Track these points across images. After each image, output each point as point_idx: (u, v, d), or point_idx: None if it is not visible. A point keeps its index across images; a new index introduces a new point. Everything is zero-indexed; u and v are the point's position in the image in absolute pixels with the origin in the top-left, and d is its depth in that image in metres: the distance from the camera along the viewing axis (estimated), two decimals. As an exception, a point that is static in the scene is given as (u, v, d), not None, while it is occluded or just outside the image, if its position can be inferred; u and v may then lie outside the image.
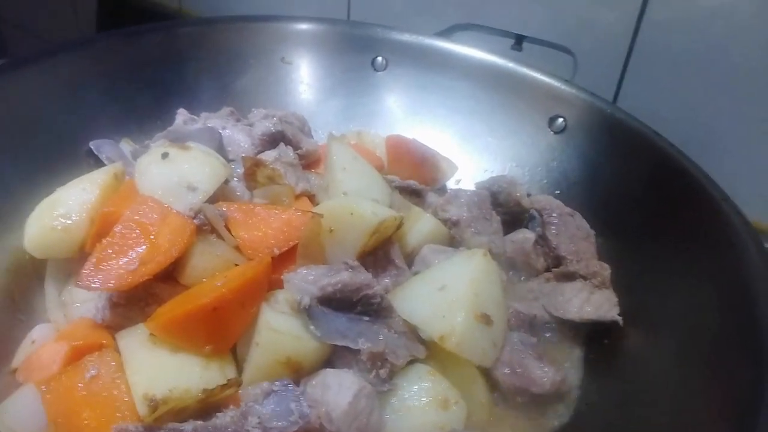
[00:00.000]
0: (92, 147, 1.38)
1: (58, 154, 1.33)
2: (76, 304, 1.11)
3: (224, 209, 1.12)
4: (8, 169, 1.24)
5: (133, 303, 1.02)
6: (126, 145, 1.43)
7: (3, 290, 1.13)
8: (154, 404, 0.87)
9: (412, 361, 1.01)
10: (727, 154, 1.42)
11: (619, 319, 1.14)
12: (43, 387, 0.92)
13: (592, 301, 1.15)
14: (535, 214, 1.34)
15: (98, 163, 1.36)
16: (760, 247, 1.05)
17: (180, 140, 1.29)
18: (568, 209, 1.30)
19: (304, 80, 1.65)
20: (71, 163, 1.33)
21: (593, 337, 1.18)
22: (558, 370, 1.07)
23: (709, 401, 0.94)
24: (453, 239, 1.28)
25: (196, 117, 1.46)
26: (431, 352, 1.03)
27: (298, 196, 1.28)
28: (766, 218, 1.44)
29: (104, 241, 1.01)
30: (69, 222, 1.12)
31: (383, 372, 0.97)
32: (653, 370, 1.08)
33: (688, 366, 1.02)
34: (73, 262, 1.16)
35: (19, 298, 1.15)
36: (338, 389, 0.90)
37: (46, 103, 1.37)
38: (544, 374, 1.04)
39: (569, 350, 1.17)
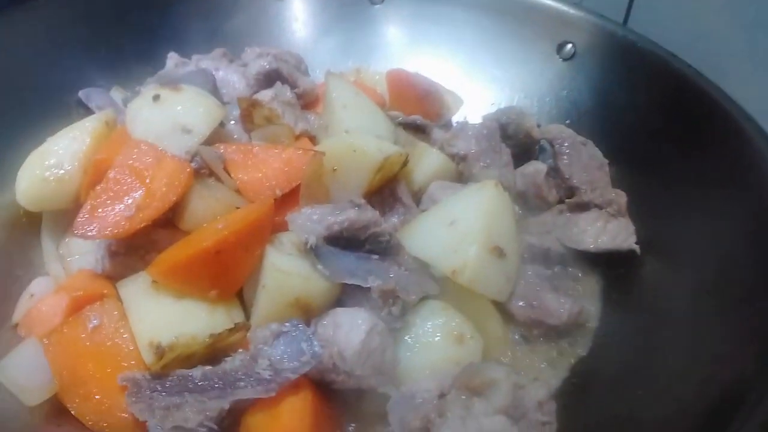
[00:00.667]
0: (81, 96, 1.33)
1: (48, 106, 1.29)
2: (75, 257, 1.08)
3: (222, 151, 1.07)
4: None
5: (133, 251, 0.99)
6: (117, 93, 1.37)
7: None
8: (160, 351, 0.85)
9: (425, 298, 0.98)
10: (740, 77, 1.35)
11: (636, 247, 1.10)
12: (45, 340, 0.89)
13: (608, 231, 1.11)
14: (546, 145, 1.28)
15: (89, 113, 1.31)
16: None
17: (171, 83, 1.22)
18: (580, 138, 1.25)
19: (298, 17, 1.57)
20: (61, 114, 1.29)
21: (609, 268, 1.14)
22: (575, 301, 1.03)
23: (729, 331, 0.91)
24: (461, 175, 1.24)
25: (187, 60, 1.39)
26: (444, 288, 1.00)
27: (297, 137, 1.23)
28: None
29: (98, 187, 0.97)
30: (61, 172, 1.08)
31: (395, 309, 0.94)
32: (672, 300, 1.04)
33: (708, 295, 0.98)
34: (68, 214, 1.12)
35: (16, 252, 1.11)
36: (350, 327, 0.87)
37: (32, 53, 1.32)
38: (560, 306, 1.01)
39: (585, 282, 1.13)
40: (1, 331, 0.99)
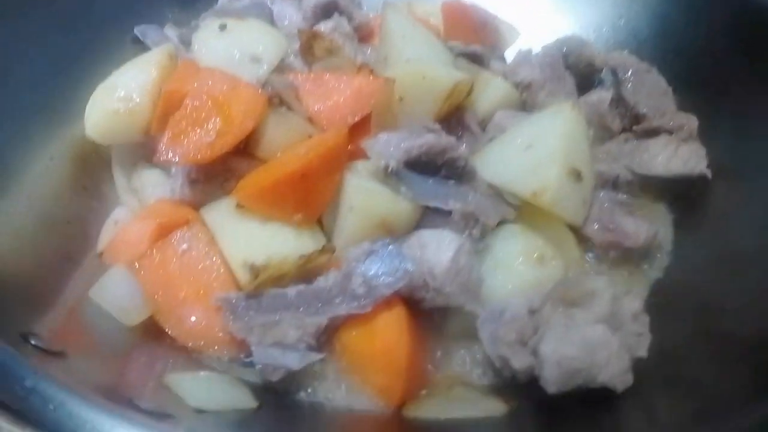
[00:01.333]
0: (137, 33, 1.32)
1: (105, 42, 1.28)
2: (149, 188, 1.09)
3: (292, 79, 1.07)
4: (59, 59, 1.18)
5: (212, 178, 1.00)
6: (171, 30, 1.35)
7: (71, 179, 1.10)
8: (255, 271, 0.86)
9: (502, 222, 0.98)
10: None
11: (708, 172, 1.10)
12: (135, 264, 0.91)
13: (679, 155, 1.11)
14: (608, 73, 1.26)
15: (145, 49, 1.30)
16: None
17: (230, 16, 1.22)
18: (644, 65, 1.23)
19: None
20: (119, 51, 1.28)
21: (679, 194, 1.14)
22: (651, 224, 1.04)
23: None
24: (524, 103, 1.23)
25: (240, -6, 1.37)
26: (519, 213, 1.00)
27: (358, 69, 1.22)
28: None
29: (177, 114, 0.97)
30: (131, 104, 1.08)
31: (476, 232, 0.95)
32: (743, 226, 1.05)
33: None
34: (137, 147, 1.13)
35: (90, 185, 1.12)
36: (438, 247, 0.88)
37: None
38: (638, 228, 1.02)
39: (656, 208, 1.13)
40: (87, 259, 1.00)
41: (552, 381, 0.75)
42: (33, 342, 0.71)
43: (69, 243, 1.01)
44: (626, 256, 1.04)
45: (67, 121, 1.15)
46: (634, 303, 0.81)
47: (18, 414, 0.58)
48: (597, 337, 0.75)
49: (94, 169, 1.15)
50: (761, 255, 0.97)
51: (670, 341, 0.93)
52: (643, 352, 0.80)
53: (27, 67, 1.12)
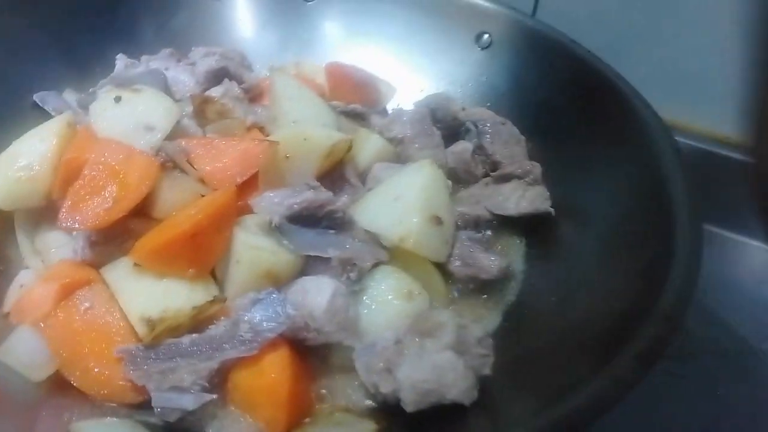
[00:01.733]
0: (36, 99, 1.39)
1: (3, 109, 1.34)
2: (52, 249, 1.16)
3: (184, 145, 1.18)
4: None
5: (111, 240, 1.09)
6: (70, 95, 1.44)
7: (-24, 244, 1.16)
8: (152, 324, 0.96)
9: (377, 264, 1.13)
10: (639, 57, 1.57)
11: (552, 210, 1.29)
12: (41, 324, 0.99)
13: (527, 197, 1.29)
14: (471, 126, 1.45)
15: (44, 114, 1.37)
16: (670, 139, 1.19)
17: (125, 85, 1.31)
18: (500, 118, 1.43)
19: (237, 16, 1.68)
20: (17, 117, 1.34)
21: (531, 230, 1.33)
22: (503, 258, 1.22)
23: (624, 272, 1.10)
24: (399, 156, 1.39)
25: (136, 61, 1.48)
26: (392, 254, 1.15)
27: (248, 128, 1.35)
28: (675, 115, 1.60)
29: (76, 184, 1.06)
30: (33, 172, 1.15)
31: (353, 275, 1.09)
32: (582, 251, 1.23)
33: (613, 246, 1.17)
34: (39, 211, 1.20)
35: (-7, 250, 1.18)
36: (317, 292, 1.01)
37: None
38: (491, 262, 1.19)
39: (511, 242, 1.31)
40: (-1, 318, 1.07)
41: (409, 402, 0.89)
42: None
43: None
44: (485, 286, 1.21)
45: (-32, 187, 1.21)
46: (477, 330, 0.97)
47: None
48: (444, 362, 0.90)
49: (-2, 232, 1.21)
50: (597, 276, 1.16)
51: (522, 353, 1.10)
52: (487, 370, 0.96)
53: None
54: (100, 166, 1.08)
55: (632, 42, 1.63)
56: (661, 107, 1.26)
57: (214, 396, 0.95)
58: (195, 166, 1.16)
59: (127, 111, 1.18)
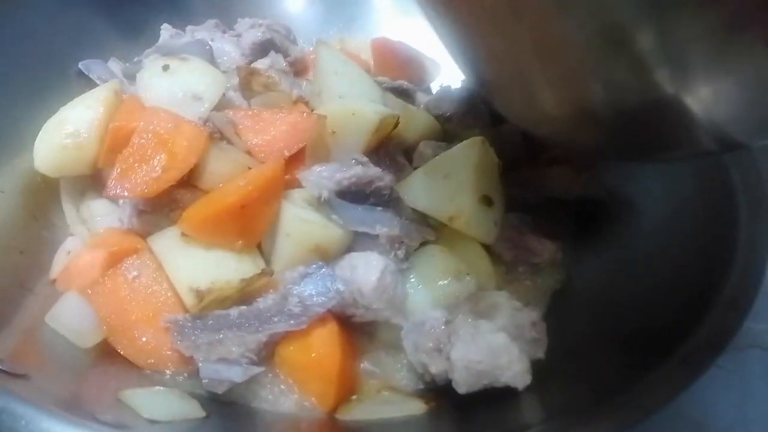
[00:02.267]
0: (82, 67, 1.38)
1: (50, 77, 1.33)
2: (97, 218, 1.16)
3: (231, 116, 1.16)
4: (5, 93, 1.24)
5: (158, 209, 1.08)
6: (114, 64, 1.43)
7: (23, 210, 1.16)
8: (200, 295, 0.95)
9: (424, 243, 1.11)
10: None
11: (604, 195, 1.25)
12: (88, 291, 0.99)
13: (578, 181, 1.26)
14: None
15: (89, 82, 1.37)
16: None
17: (171, 54, 1.30)
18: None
19: (283, -13, 1.65)
20: (63, 85, 1.34)
21: (581, 214, 1.29)
22: (553, 242, 1.18)
23: (675, 265, 1.06)
24: (446, 134, 1.36)
25: (181, 31, 1.46)
26: (440, 234, 1.13)
27: (294, 102, 1.33)
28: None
29: (125, 152, 1.05)
30: (79, 139, 1.14)
31: (401, 253, 1.07)
32: (637, 239, 1.19)
33: (669, 234, 1.13)
34: (84, 179, 1.20)
35: (40, 216, 1.18)
36: (366, 268, 0.99)
37: (30, 27, 1.34)
38: (541, 245, 1.16)
39: (561, 226, 1.28)
40: (39, 285, 1.06)
41: (462, 383, 0.87)
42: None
43: (22, 272, 1.06)
44: (533, 270, 1.18)
45: (15, 154, 1.21)
46: (532, 313, 0.95)
47: (-7, 431, 0.66)
48: (499, 344, 0.88)
49: (44, 200, 1.20)
50: (652, 265, 1.13)
51: (571, 340, 1.07)
52: (541, 354, 0.94)
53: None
54: (149, 135, 1.06)
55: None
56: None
57: (262, 369, 0.93)
58: (243, 138, 1.15)
59: (175, 80, 1.17)
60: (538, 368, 0.93)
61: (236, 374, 0.91)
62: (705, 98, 0.72)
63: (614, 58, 0.68)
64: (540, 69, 0.79)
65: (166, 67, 1.18)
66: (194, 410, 0.88)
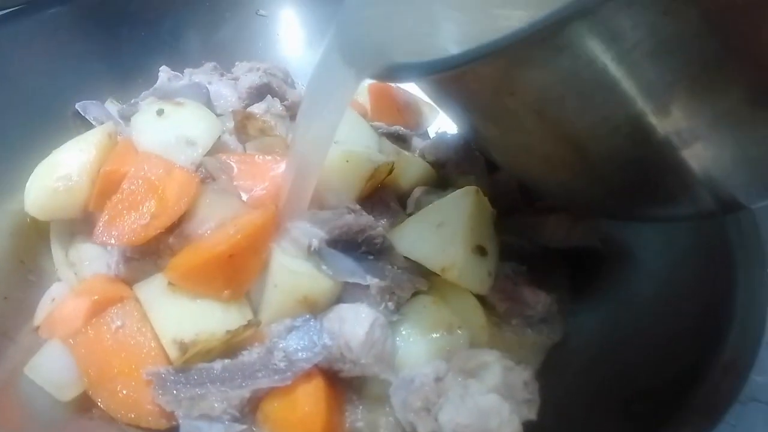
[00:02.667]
0: (78, 108, 1.38)
1: (45, 118, 1.34)
2: (85, 263, 1.15)
3: (224, 160, 1.15)
4: (0, 133, 1.24)
5: (146, 256, 1.06)
6: (111, 106, 1.43)
7: (10, 253, 1.15)
8: (183, 347, 0.93)
9: (416, 294, 1.08)
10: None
11: (600, 244, 1.23)
12: (71, 341, 0.97)
13: (576, 230, 1.24)
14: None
15: (85, 123, 1.37)
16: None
17: (168, 97, 1.31)
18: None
19: (282, 32, 1.66)
20: (59, 126, 1.34)
21: (576, 263, 1.27)
22: (548, 293, 1.16)
23: (679, 320, 1.04)
24: (441, 180, 1.34)
25: (179, 74, 1.47)
26: (432, 284, 1.11)
27: (289, 147, 1.32)
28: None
29: (114, 198, 1.04)
30: (71, 183, 1.13)
31: (391, 304, 1.04)
32: (634, 292, 1.17)
33: (667, 288, 1.11)
34: (75, 222, 1.19)
35: (27, 260, 1.17)
36: (354, 321, 0.97)
37: (28, 67, 1.36)
38: (537, 297, 1.13)
39: (556, 276, 1.25)
40: (22, 333, 1.04)
41: (450, 446, 0.84)
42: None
43: (5, 319, 1.05)
44: (528, 322, 1.16)
45: (6, 195, 1.20)
46: (525, 372, 0.92)
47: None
48: (489, 405, 0.85)
49: (32, 243, 1.19)
50: (650, 320, 1.10)
51: (564, 400, 1.04)
52: (532, 415, 0.91)
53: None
54: (140, 181, 1.05)
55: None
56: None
57: (244, 427, 0.91)
58: (235, 184, 1.14)
59: (169, 124, 1.17)
60: (529, 430, 0.90)
61: (218, 431, 0.88)
62: (708, 158, 0.73)
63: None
64: (552, 151, 0.80)
65: (160, 112, 1.18)
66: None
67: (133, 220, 1.02)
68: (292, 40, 1.66)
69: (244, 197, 1.13)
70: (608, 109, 0.69)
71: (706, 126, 0.68)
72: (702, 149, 0.72)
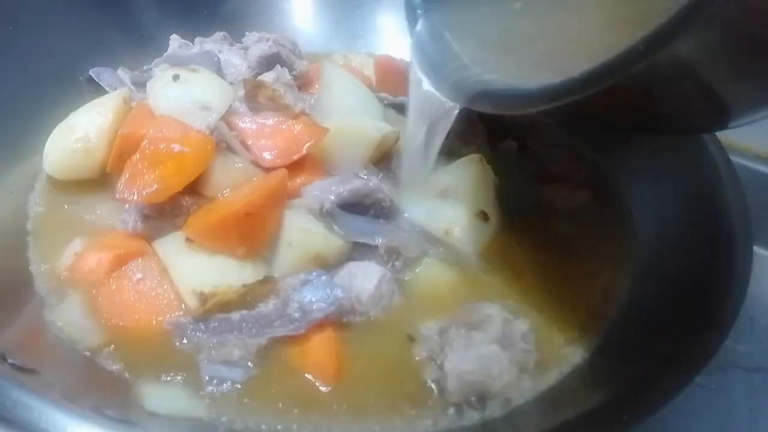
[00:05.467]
0: (92, 74, 1.42)
1: (60, 81, 1.37)
2: (104, 221, 1.18)
3: (238, 125, 1.20)
4: (17, 96, 1.27)
5: (164, 215, 1.11)
6: (123, 73, 1.46)
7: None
8: (203, 298, 0.98)
9: (423, 254, 1.14)
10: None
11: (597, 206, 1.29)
12: (93, 291, 1.02)
13: (574, 197, 1.30)
14: (515, 126, 1.45)
15: (98, 89, 1.40)
16: (722, 151, 1.21)
17: (180, 64, 1.34)
18: (546, 118, 1.43)
19: (291, 3, 1.69)
20: (73, 90, 1.38)
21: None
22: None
23: (677, 276, 1.10)
24: (444, 150, 1.39)
25: (189, 42, 1.50)
26: (437, 247, 1.16)
27: (297, 115, 1.36)
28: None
29: (134, 157, 1.08)
30: (89, 144, 1.18)
31: (398, 264, 1.10)
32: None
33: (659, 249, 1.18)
34: (92, 183, 1.22)
35: (49, 215, 1.20)
36: (364, 277, 1.03)
37: (42, 31, 1.38)
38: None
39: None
40: (51, 282, 1.08)
41: (453, 392, 0.90)
42: (10, 361, 0.81)
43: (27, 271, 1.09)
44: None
45: (26, 157, 1.24)
46: (522, 325, 0.98)
47: (9, 422, 0.69)
48: (490, 355, 0.91)
49: (52, 200, 1.23)
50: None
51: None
52: (530, 365, 0.97)
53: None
54: (158, 142, 1.09)
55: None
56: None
57: (261, 370, 0.96)
58: (247, 148, 1.18)
59: (185, 89, 1.21)
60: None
61: (237, 375, 0.94)
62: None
63: None
64: None
65: (176, 77, 1.22)
66: (197, 409, 0.90)
67: (152, 180, 1.07)
68: (300, 11, 1.70)
69: (257, 161, 1.17)
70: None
71: None
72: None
